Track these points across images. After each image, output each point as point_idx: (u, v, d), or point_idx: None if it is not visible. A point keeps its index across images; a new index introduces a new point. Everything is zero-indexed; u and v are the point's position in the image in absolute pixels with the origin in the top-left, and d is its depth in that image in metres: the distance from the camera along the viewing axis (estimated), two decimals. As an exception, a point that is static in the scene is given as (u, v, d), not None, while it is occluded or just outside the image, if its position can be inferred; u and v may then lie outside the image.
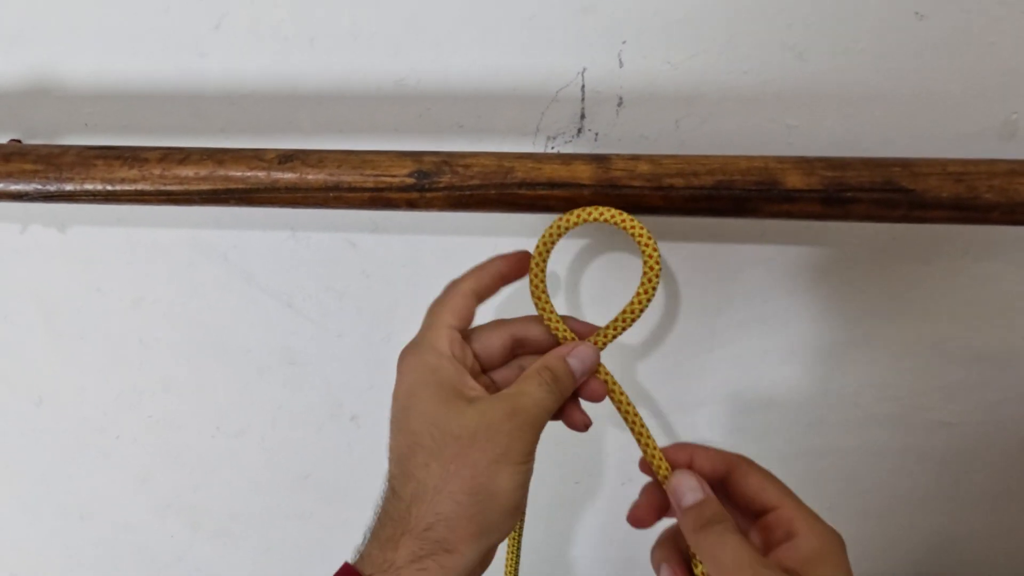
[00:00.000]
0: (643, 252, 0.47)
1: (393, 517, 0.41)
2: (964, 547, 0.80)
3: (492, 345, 0.48)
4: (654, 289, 0.48)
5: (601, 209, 0.47)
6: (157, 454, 0.82)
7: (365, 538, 0.42)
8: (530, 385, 0.44)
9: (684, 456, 0.48)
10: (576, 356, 0.46)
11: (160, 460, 0.83)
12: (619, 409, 0.49)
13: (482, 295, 0.49)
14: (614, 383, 0.49)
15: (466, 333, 0.49)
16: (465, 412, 0.42)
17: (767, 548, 0.44)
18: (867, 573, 0.82)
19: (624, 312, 0.48)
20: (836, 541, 0.43)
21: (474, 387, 0.45)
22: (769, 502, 0.45)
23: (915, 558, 0.81)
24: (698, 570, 0.46)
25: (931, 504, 0.76)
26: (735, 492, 0.47)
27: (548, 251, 0.48)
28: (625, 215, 0.47)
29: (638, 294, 0.48)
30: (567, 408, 0.48)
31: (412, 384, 0.44)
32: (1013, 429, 0.69)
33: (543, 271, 0.49)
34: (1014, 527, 0.78)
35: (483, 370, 0.49)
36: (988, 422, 0.69)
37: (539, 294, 0.48)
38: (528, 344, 0.50)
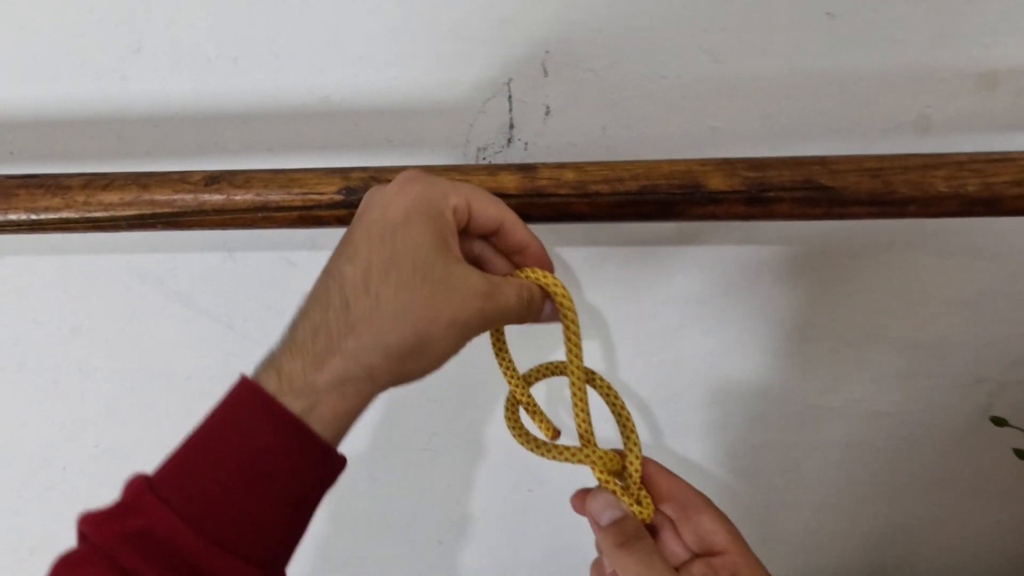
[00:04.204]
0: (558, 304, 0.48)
1: (328, 330, 0.38)
2: (908, 535, 0.81)
3: (487, 217, 0.44)
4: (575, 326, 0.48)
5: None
6: (105, 484, 0.80)
7: (282, 346, 0.39)
8: (511, 291, 0.43)
9: (648, 470, 0.49)
10: (547, 310, 0.47)
11: (109, 490, 0.80)
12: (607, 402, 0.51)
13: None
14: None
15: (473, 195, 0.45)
16: (450, 264, 0.40)
17: None
18: (815, 565, 0.84)
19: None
20: None
21: (457, 250, 0.42)
22: (718, 546, 0.45)
23: (861, 548, 0.82)
24: None
25: (874, 494, 0.77)
26: (688, 526, 0.47)
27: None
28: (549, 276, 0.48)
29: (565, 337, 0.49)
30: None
31: (412, 208, 0.41)
32: (948, 416, 0.71)
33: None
34: (955, 513, 0.80)
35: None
36: (924, 410, 0.70)
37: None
38: (505, 244, 0.46)
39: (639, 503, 0.47)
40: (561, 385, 0.52)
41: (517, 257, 0.47)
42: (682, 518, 0.47)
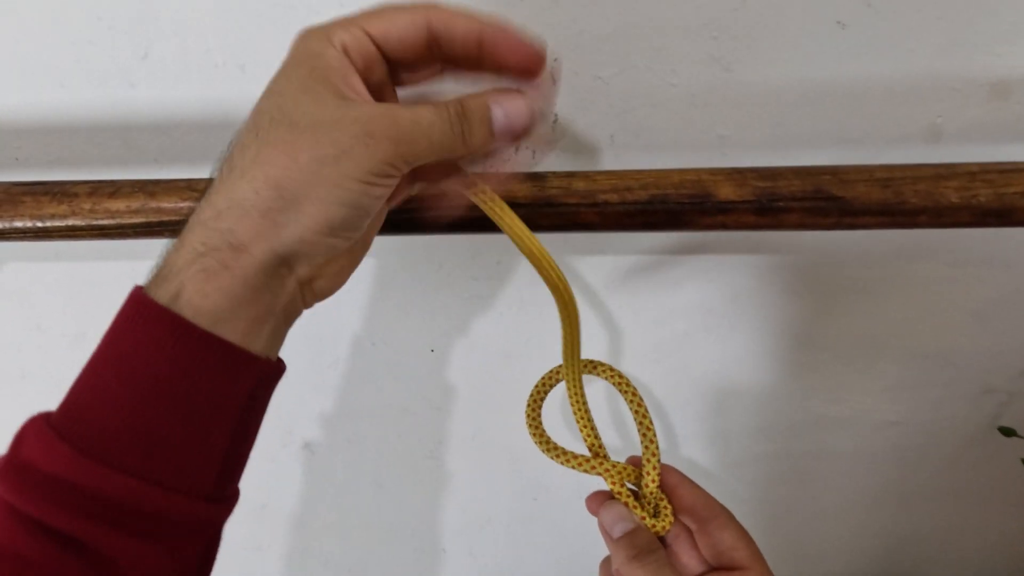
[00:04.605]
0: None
1: (195, 211, 0.34)
2: (915, 544, 0.81)
3: (402, 32, 0.35)
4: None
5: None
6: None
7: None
8: (426, 109, 0.34)
9: (670, 480, 0.48)
10: (502, 104, 0.36)
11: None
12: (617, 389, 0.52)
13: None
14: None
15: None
16: (322, 102, 0.33)
17: None
18: (822, 574, 0.83)
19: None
20: None
21: (356, 88, 0.34)
22: (739, 562, 0.44)
23: (868, 557, 0.82)
24: None
25: (882, 503, 0.77)
26: (707, 539, 0.46)
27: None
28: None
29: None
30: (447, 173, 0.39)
31: (289, 63, 0.35)
32: (955, 426, 0.71)
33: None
34: (963, 522, 0.79)
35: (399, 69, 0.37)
36: (931, 420, 0.70)
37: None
38: (453, 48, 0.36)
39: (656, 515, 0.47)
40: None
41: (488, 62, 0.36)
42: (702, 531, 0.46)
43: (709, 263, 0.61)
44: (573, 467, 0.48)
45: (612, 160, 0.56)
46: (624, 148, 0.55)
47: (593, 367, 0.52)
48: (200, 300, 0.32)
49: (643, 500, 0.48)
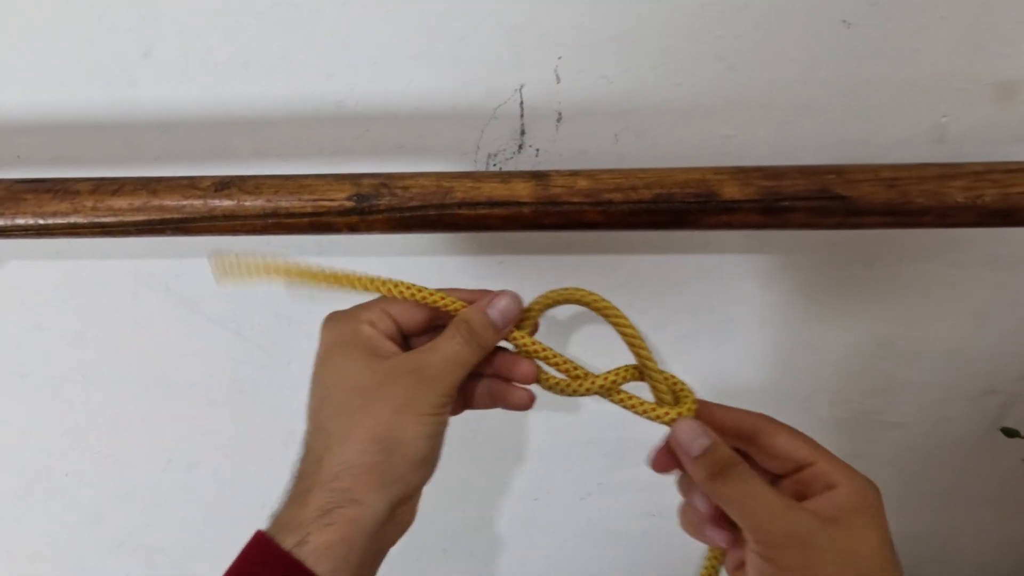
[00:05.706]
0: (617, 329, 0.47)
1: (305, 474, 0.42)
2: (918, 546, 0.81)
3: (412, 309, 0.47)
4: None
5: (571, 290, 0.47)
6: (108, 492, 0.80)
7: (282, 501, 0.42)
8: (443, 339, 0.44)
9: (704, 414, 0.46)
10: (495, 306, 0.45)
11: (111, 498, 0.81)
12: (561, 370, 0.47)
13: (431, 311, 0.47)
14: (552, 354, 0.47)
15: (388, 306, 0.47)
16: (374, 366, 0.43)
17: (801, 498, 0.42)
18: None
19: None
20: (874, 491, 0.42)
21: (391, 349, 0.45)
22: (803, 459, 0.43)
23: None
24: None
25: (885, 505, 0.76)
26: (763, 452, 0.44)
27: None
28: (596, 296, 0.47)
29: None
30: (503, 392, 0.48)
31: (330, 343, 0.45)
32: (958, 427, 0.71)
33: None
34: (966, 524, 0.79)
35: (408, 336, 0.48)
36: (934, 421, 0.70)
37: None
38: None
39: (678, 402, 0.45)
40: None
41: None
42: (754, 446, 0.44)
43: (712, 263, 0.61)
44: (566, 391, 0.46)
45: (616, 159, 0.55)
46: (628, 147, 0.55)
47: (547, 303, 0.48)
48: (325, 549, 0.38)
49: (663, 395, 0.46)
